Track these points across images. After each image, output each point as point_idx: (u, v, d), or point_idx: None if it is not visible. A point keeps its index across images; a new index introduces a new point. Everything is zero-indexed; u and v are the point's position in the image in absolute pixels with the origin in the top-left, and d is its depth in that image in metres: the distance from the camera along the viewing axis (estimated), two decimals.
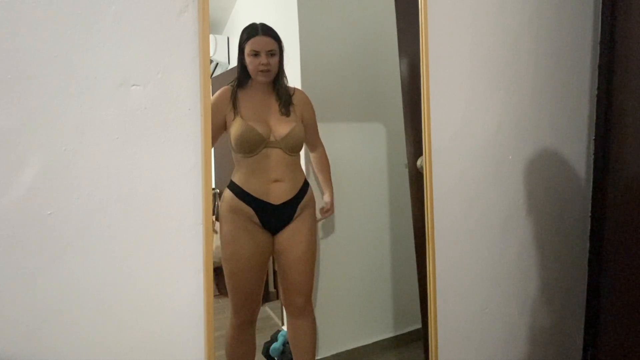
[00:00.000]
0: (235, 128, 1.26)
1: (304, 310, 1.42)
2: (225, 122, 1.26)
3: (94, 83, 0.97)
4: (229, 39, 1.37)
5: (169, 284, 1.06)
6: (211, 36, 1.10)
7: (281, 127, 1.32)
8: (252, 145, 1.28)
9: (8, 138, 0.90)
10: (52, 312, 0.95)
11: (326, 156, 1.50)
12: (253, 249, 1.32)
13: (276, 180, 1.32)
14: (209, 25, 1.05)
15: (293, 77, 1.43)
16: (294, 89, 1.38)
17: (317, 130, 1.46)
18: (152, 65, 1.02)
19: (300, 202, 1.37)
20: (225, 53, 1.37)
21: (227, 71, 1.36)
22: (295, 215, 1.37)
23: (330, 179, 1.51)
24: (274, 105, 1.34)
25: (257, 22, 1.31)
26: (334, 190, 1.54)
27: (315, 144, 1.48)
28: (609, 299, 1.85)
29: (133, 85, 1.00)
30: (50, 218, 0.94)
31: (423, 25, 1.37)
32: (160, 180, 1.04)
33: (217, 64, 1.39)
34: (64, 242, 0.95)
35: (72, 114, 0.95)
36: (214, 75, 1.36)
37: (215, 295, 1.08)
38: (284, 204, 1.34)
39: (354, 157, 1.64)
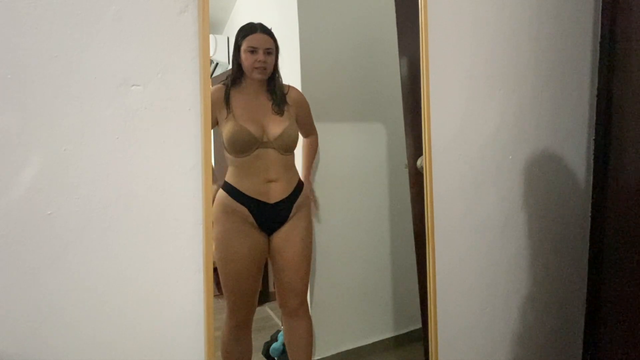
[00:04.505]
0: (228, 129, 1.25)
1: (299, 310, 1.42)
2: (217, 121, 1.26)
3: (94, 83, 0.97)
4: (229, 39, 1.37)
5: (169, 284, 1.06)
6: (211, 36, 1.10)
7: (274, 127, 1.31)
8: (245, 146, 1.27)
9: (8, 138, 0.90)
10: (52, 312, 0.95)
11: (317, 142, 1.49)
12: (248, 250, 1.31)
13: (270, 180, 1.32)
14: (209, 25, 1.05)
15: (293, 77, 1.43)
16: (288, 86, 1.38)
17: (312, 122, 1.46)
18: (152, 65, 1.02)
19: (295, 201, 1.37)
20: (225, 53, 1.37)
21: (227, 71, 1.36)
22: (291, 215, 1.37)
23: (311, 162, 1.49)
24: (267, 105, 1.33)
25: (255, 22, 1.32)
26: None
27: (310, 132, 1.47)
28: (609, 299, 1.85)
29: (133, 85, 1.00)
30: (50, 218, 0.94)
31: (423, 25, 1.37)
32: (161, 180, 1.04)
33: (217, 64, 1.39)
34: (64, 242, 0.95)
35: (72, 114, 0.95)
36: (214, 75, 1.36)
37: (215, 295, 1.08)
38: (278, 202, 1.34)
39: (354, 157, 1.64)
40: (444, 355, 1.51)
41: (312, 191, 1.48)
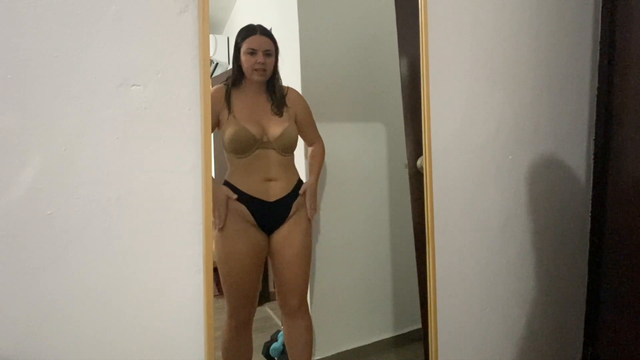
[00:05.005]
0: (229, 129, 1.26)
1: (299, 310, 1.42)
2: (219, 121, 1.26)
3: (94, 83, 0.97)
4: (229, 39, 1.37)
5: (169, 284, 1.06)
6: (211, 36, 1.10)
7: (274, 128, 1.32)
8: (245, 146, 1.28)
9: (8, 138, 0.90)
10: (52, 312, 0.95)
11: (323, 148, 1.49)
12: (248, 249, 1.32)
13: (270, 179, 1.33)
14: (209, 25, 1.05)
15: (293, 77, 1.43)
16: (287, 88, 1.38)
17: (314, 126, 1.46)
18: (152, 65, 1.02)
19: (294, 200, 1.37)
20: (225, 53, 1.37)
21: (227, 71, 1.36)
22: (290, 214, 1.37)
23: (319, 167, 1.48)
24: (267, 106, 1.34)
25: (255, 23, 1.32)
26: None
27: (313, 139, 1.47)
28: (609, 299, 1.85)
29: (133, 85, 1.00)
30: (50, 218, 0.94)
31: (423, 25, 1.37)
32: (161, 180, 1.04)
33: (217, 64, 1.39)
34: (64, 242, 0.95)
35: (72, 114, 0.95)
36: (214, 75, 1.37)
37: (215, 295, 1.08)
38: (278, 201, 1.34)
39: (354, 157, 1.64)
40: (444, 355, 1.51)
41: (315, 201, 1.47)
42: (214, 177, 1.11)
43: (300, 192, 1.40)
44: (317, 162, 1.47)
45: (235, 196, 1.28)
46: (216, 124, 1.25)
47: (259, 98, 1.34)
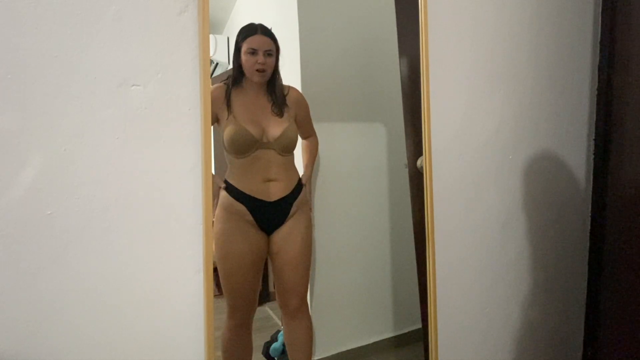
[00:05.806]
0: (229, 129, 1.26)
1: (299, 310, 1.42)
2: (218, 120, 1.26)
3: (94, 83, 0.97)
4: (229, 39, 1.37)
5: (169, 284, 1.06)
6: (211, 36, 1.10)
7: (274, 129, 1.32)
8: (245, 146, 1.28)
9: (8, 138, 0.90)
10: (52, 312, 0.95)
11: (317, 142, 1.49)
12: (247, 249, 1.32)
13: (270, 180, 1.33)
14: (209, 25, 1.05)
15: (293, 77, 1.43)
16: (288, 87, 1.38)
17: (311, 124, 1.46)
18: (152, 65, 1.02)
19: (295, 200, 1.37)
20: (225, 53, 1.37)
21: (227, 71, 1.36)
22: (290, 213, 1.37)
23: (313, 161, 1.49)
24: (267, 106, 1.34)
25: (256, 22, 1.32)
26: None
27: (309, 134, 1.48)
28: (609, 299, 1.85)
29: (133, 85, 1.00)
30: (50, 218, 0.94)
31: (423, 25, 1.37)
32: (161, 180, 1.04)
33: (217, 64, 1.39)
34: (63, 242, 0.95)
35: (72, 114, 0.95)
36: (214, 75, 1.36)
37: (215, 295, 1.08)
38: (278, 201, 1.34)
39: (354, 157, 1.64)
40: (444, 355, 1.51)
41: (309, 193, 1.48)
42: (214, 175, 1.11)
43: (303, 181, 1.41)
44: (312, 155, 1.48)
45: (223, 185, 1.27)
46: (215, 121, 1.25)
47: (259, 98, 1.34)
